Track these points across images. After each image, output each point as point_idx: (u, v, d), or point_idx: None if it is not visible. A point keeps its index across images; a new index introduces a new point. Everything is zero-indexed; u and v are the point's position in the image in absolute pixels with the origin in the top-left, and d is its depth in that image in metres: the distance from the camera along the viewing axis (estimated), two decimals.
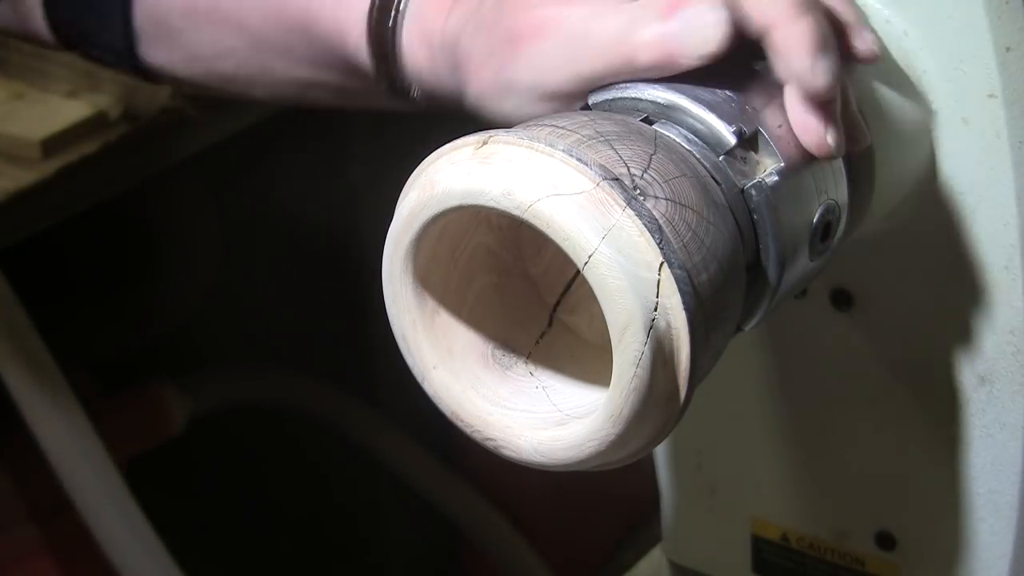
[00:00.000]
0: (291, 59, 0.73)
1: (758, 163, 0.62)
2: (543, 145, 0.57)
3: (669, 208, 0.57)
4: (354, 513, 1.93)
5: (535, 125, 0.60)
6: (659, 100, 0.62)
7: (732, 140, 0.61)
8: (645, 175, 0.57)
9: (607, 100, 0.63)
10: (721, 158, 0.61)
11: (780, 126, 0.62)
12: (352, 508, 1.93)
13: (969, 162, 0.72)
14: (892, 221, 0.73)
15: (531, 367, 0.63)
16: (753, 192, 0.61)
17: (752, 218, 0.61)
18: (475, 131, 0.59)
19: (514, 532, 1.84)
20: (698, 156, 0.60)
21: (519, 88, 0.64)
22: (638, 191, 0.56)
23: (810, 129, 0.62)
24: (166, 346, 1.78)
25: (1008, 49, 0.69)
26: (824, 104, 0.61)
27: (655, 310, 0.56)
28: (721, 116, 0.61)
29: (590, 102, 0.64)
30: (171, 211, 1.74)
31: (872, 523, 0.82)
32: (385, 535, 1.96)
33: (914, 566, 0.82)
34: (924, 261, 0.75)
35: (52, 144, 1.39)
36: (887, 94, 0.70)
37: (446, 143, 0.59)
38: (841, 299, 0.77)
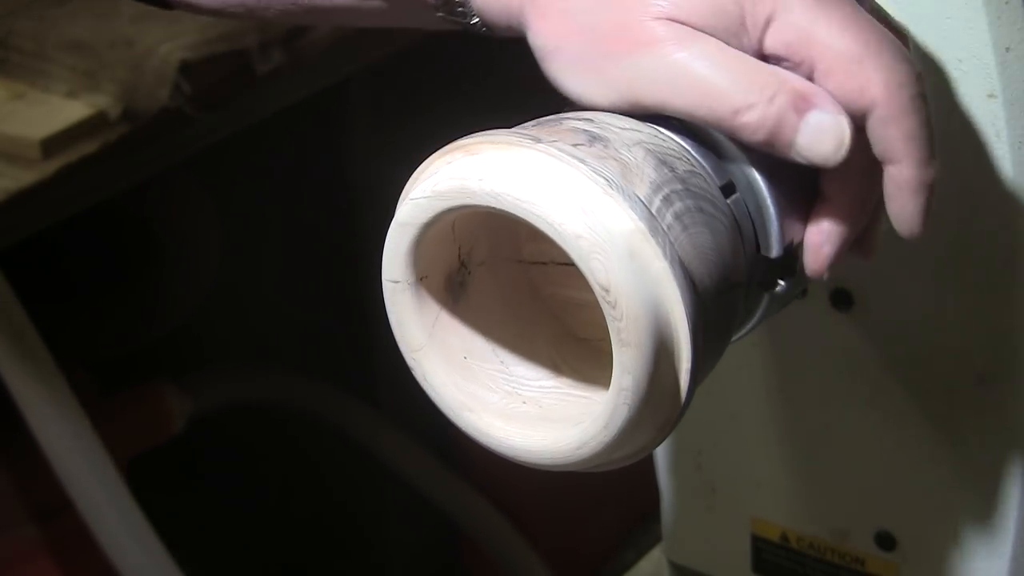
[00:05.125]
0: None
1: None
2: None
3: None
4: (355, 512, 1.94)
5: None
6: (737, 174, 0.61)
7: (777, 254, 0.61)
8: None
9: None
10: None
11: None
12: (353, 507, 1.93)
13: (969, 162, 0.72)
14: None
15: (531, 367, 0.63)
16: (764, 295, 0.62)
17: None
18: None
19: (514, 532, 1.84)
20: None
21: (594, 80, 0.60)
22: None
23: (822, 257, 0.61)
24: (166, 346, 1.78)
25: (1008, 49, 0.69)
26: (850, 232, 0.61)
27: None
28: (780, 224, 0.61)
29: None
30: (171, 211, 1.74)
31: (872, 523, 0.82)
32: (386, 534, 1.96)
33: (914, 566, 0.82)
34: (924, 261, 0.75)
35: (52, 144, 1.39)
36: None
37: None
38: (841, 299, 0.77)
